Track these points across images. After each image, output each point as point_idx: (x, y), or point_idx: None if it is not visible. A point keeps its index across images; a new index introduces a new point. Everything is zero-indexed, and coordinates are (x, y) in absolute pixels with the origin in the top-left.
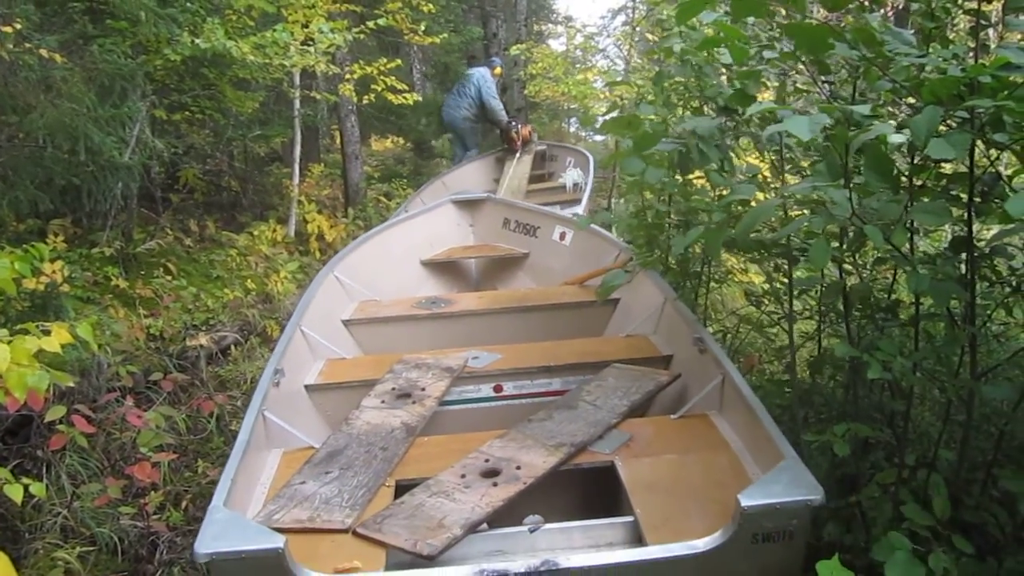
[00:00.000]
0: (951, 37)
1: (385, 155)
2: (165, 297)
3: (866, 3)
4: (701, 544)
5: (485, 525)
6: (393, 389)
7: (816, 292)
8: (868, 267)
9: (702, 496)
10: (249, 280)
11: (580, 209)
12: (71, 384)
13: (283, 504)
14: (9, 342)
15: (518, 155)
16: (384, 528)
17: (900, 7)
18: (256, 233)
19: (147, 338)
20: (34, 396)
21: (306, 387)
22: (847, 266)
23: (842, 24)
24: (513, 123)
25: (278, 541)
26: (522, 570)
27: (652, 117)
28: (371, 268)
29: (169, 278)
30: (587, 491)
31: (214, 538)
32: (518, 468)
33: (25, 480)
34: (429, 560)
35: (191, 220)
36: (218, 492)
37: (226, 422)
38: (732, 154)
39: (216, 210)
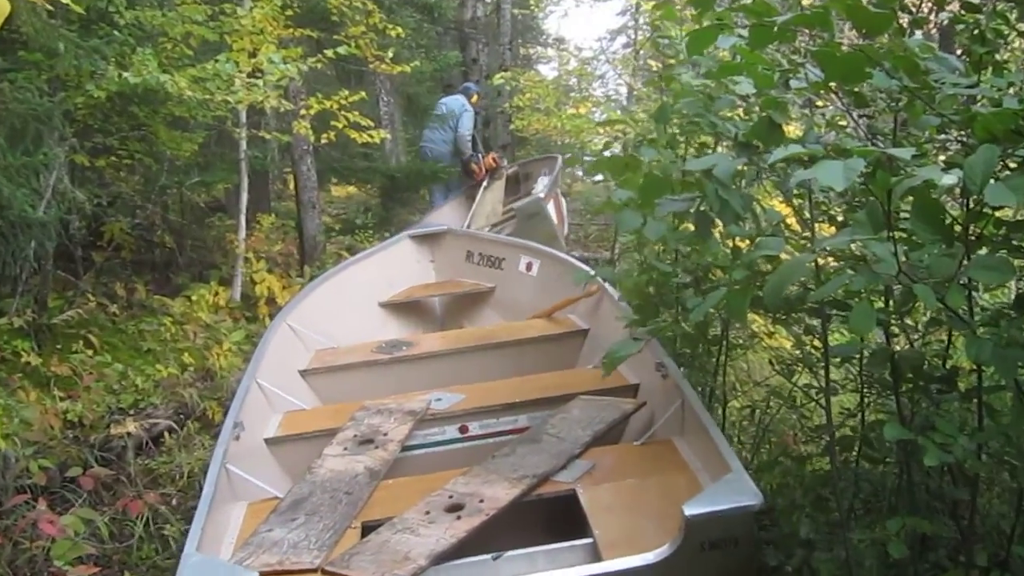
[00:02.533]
0: (1005, 60)
1: (347, 203)
2: (85, 376)
3: (905, 25)
4: (651, 556)
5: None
6: (355, 436)
7: (858, 361)
8: (919, 330)
9: (658, 514)
10: (186, 354)
11: (541, 193)
12: None
13: (252, 551)
14: None
15: (484, 184)
16: (352, 564)
17: (944, 24)
18: (195, 298)
19: (64, 425)
20: None
21: (266, 441)
22: (894, 329)
23: (878, 47)
24: (474, 155)
25: None
26: None
27: (657, 159)
28: (326, 314)
29: (91, 353)
30: (550, 519)
31: None
32: (481, 501)
33: None
34: None
35: (117, 283)
36: (189, 540)
37: (159, 525)
38: (755, 201)
39: (147, 271)
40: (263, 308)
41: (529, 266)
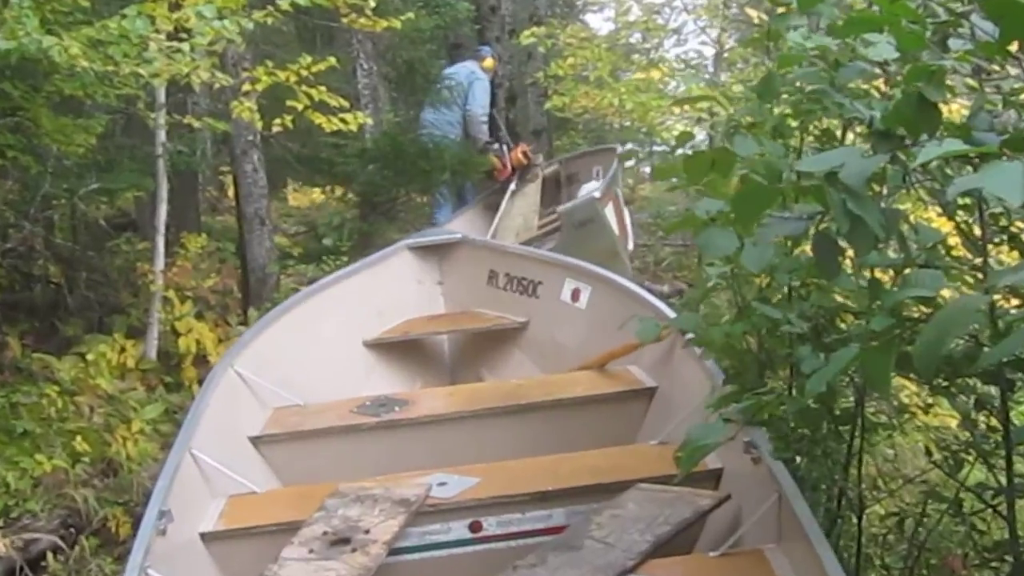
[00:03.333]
0: None
1: (311, 216)
2: None
3: None
4: None
5: None
6: (325, 534)
7: None
8: None
9: None
10: (79, 438)
11: (596, 192)
12: None
13: None
14: None
15: (512, 188)
16: None
17: None
18: (91, 356)
19: None
20: None
21: (203, 536)
22: None
23: None
24: (496, 144)
25: None
26: None
27: (760, 155)
28: (289, 358)
29: None
30: None
31: None
32: None
33: None
34: None
35: None
36: None
37: None
38: (903, 217)
39: (23, 316)
40: (189, 371)
41: (576, 294)
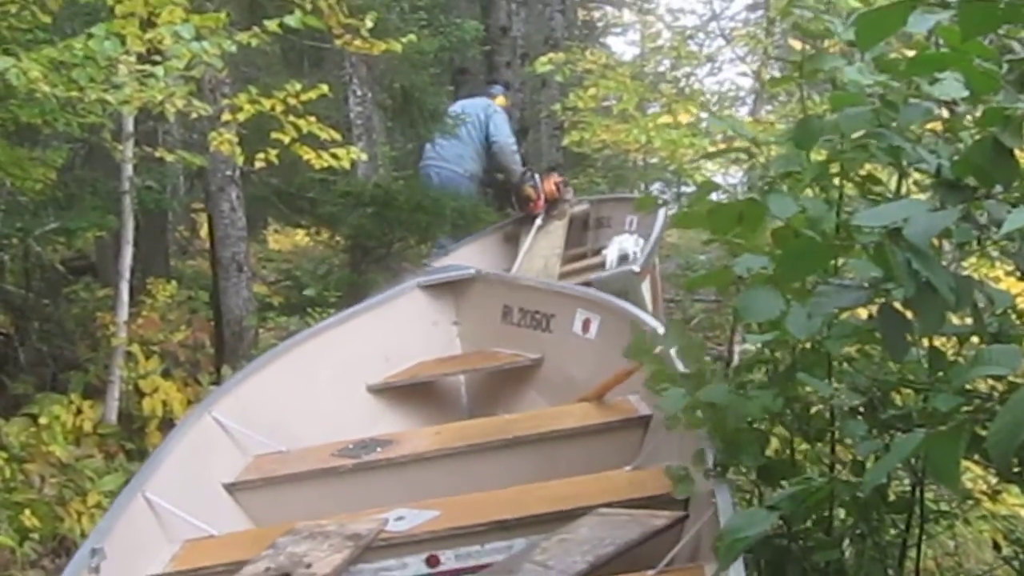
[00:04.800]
0: None
1: (294, 261)
2: None
3: None
4: None
5: None
6: (267, 570)
7: None
8: None
9: None
10: (27, 511)
11: (635, 265)
12: None
13: None
14: None
15: (537, 223)
16: None
17: None
18: (44, 418)
19: None
20: None
21: None
22: None
23: None
24: (529, 173)
25: None
26: None
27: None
28: (279, 404)
29: None
30: None
31: None
32: None
33: None
34: None
35: None
36: None
37: None
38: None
39: None
40: (154, 436)
41: (586, 324)
